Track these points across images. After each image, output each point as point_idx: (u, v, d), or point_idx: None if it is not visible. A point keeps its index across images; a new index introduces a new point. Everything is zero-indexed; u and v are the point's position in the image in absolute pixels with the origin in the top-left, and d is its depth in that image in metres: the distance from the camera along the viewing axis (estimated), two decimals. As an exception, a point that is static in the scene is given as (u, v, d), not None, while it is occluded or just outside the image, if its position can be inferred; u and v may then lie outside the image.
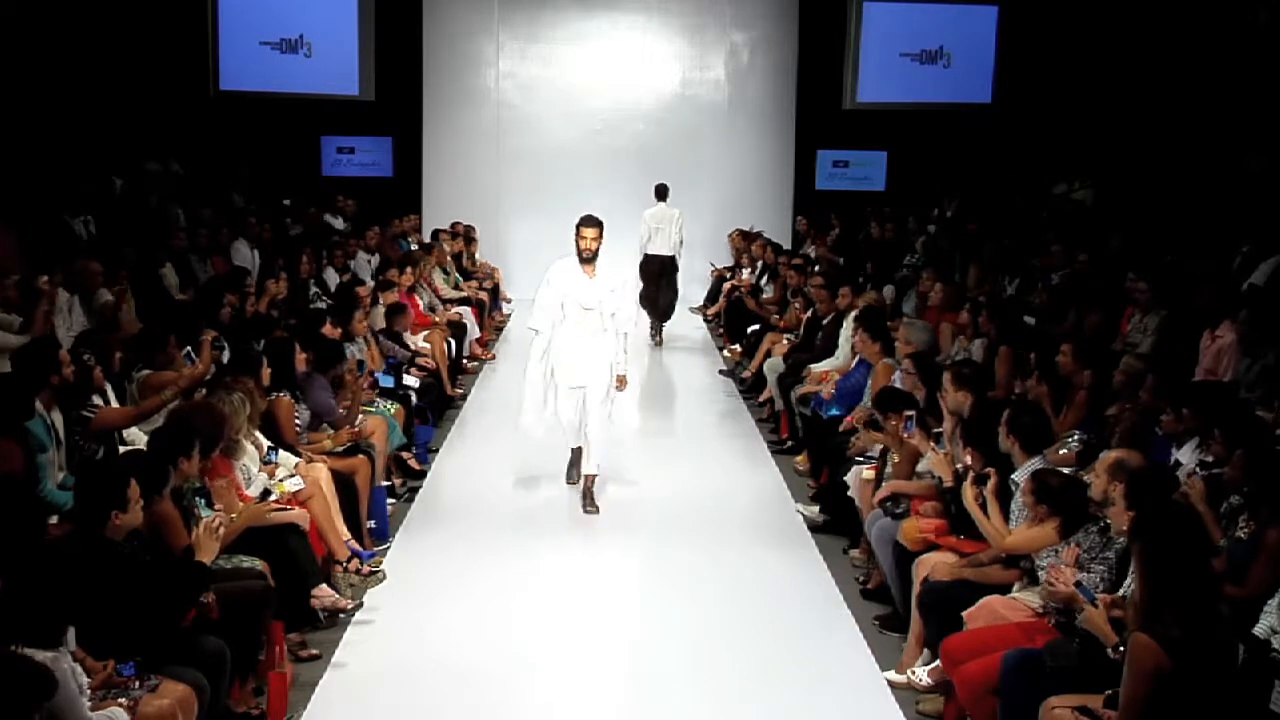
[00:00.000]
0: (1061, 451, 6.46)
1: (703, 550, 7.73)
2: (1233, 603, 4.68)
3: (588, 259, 8.28)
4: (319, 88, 17.54)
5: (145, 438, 6.39)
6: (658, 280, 14.78)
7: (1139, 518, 4.49)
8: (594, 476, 8.46)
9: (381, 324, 10.57)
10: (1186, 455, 6.07)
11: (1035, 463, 5.81)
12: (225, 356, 7.79)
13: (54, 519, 5.44)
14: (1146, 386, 6.62)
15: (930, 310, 10.56)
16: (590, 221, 8.30)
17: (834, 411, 8.96)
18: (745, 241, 16.33)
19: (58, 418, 6.12)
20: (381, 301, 10.88)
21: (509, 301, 16.74)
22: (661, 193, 14.90)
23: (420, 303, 12.39)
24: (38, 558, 4.07)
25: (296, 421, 7.52)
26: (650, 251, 14.77)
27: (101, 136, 14.71)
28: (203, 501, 5.80)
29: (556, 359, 8.41)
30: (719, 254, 16.86)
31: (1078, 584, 4.90)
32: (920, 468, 6.81)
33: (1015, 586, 5.45)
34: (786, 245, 16.55)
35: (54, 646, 3.88)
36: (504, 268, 17.13)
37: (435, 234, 15.51)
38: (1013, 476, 5.84)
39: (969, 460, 6.14)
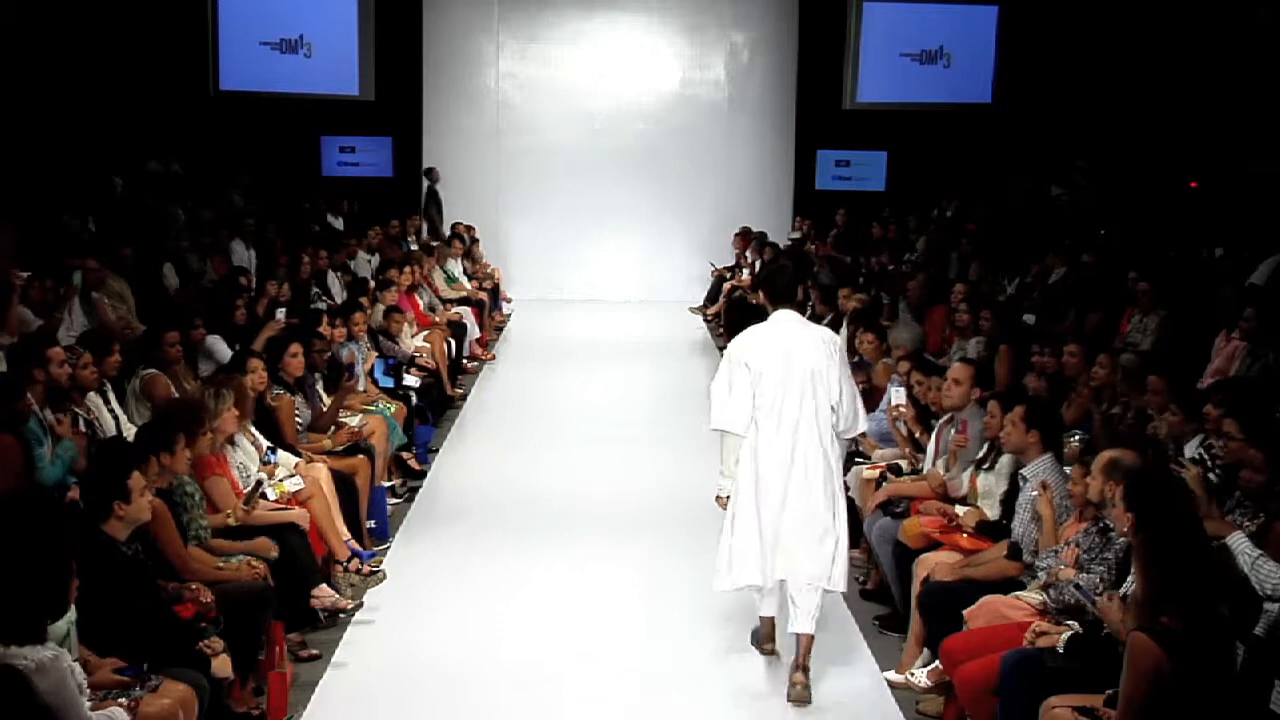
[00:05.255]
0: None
1: (703, 550, 7.68)
2: (1234, 596, 4.65)
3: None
4: (319, 88, 17.54)
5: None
6: None
7: (1140, 512, 4.49)
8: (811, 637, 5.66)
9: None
10: (1190, 453, 6.04)
11: (1048, 459, 5.80)
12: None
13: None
14: (1152, 388, 6.60)
15: (939, 309, 10.55)
16: None
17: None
18: (745, 241, 16.33)
19: (49, 413, 6.13)
20: (381, 301, 10.88)
21: (509, 301, 16.74)
22: None
23: (420, 303, 12.38)
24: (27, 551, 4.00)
25: (297, 421, 7.51)
26: None
27: (101, 136, 14.71)
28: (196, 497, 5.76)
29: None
30: (719, 254, 16.85)
31: (1077, 585, 4.90)
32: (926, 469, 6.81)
33: (1029, 585, 5.43)
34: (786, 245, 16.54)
35: (38, 641, 3.85)
36: (504, 268, 17.12)
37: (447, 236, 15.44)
38: (1022, 471, 5.83)
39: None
